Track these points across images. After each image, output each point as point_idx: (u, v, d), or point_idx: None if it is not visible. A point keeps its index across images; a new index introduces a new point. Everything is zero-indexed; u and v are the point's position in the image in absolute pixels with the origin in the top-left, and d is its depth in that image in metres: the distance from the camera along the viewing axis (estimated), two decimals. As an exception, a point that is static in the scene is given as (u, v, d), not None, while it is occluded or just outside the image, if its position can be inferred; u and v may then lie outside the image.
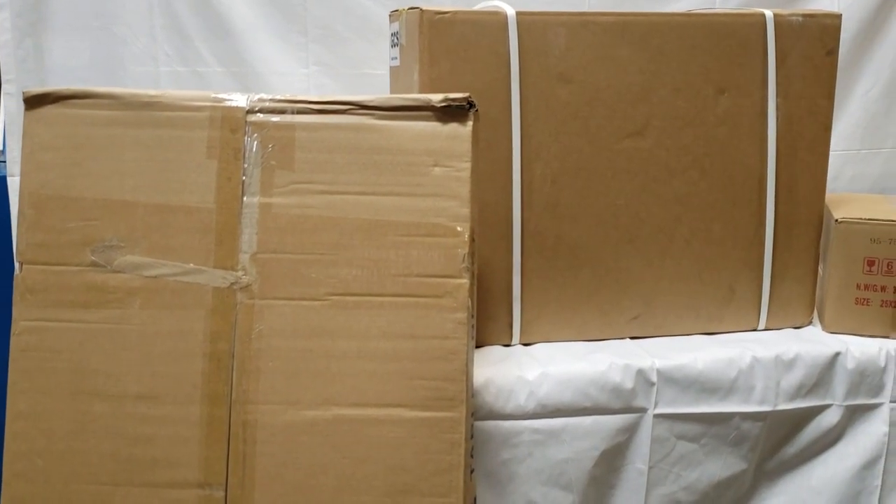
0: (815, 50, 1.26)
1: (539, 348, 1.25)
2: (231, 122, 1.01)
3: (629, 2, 1.64)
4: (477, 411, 1.13)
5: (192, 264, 1.00)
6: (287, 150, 1.01)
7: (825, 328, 1.33)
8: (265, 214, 1.01)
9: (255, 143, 1.01)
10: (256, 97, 1.02)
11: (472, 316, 1.03)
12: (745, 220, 1.29)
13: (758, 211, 1.29)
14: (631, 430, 1.20)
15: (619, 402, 1.19)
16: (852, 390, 1.25)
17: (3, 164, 1.54)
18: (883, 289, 1.28)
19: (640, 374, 1.19)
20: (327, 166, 1.01)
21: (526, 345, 1.27)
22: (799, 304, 1.34)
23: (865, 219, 1.28)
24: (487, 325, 1.24)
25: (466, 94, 1.00)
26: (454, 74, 1.16)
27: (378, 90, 1.53)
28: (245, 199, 1.01)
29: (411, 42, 1.19)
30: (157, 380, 1.00)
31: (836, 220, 1.28)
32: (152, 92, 1.02)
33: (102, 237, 1.01)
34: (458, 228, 1.00)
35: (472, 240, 1.01)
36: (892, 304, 1.28)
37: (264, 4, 1.56)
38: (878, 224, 1.27)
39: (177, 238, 1.01)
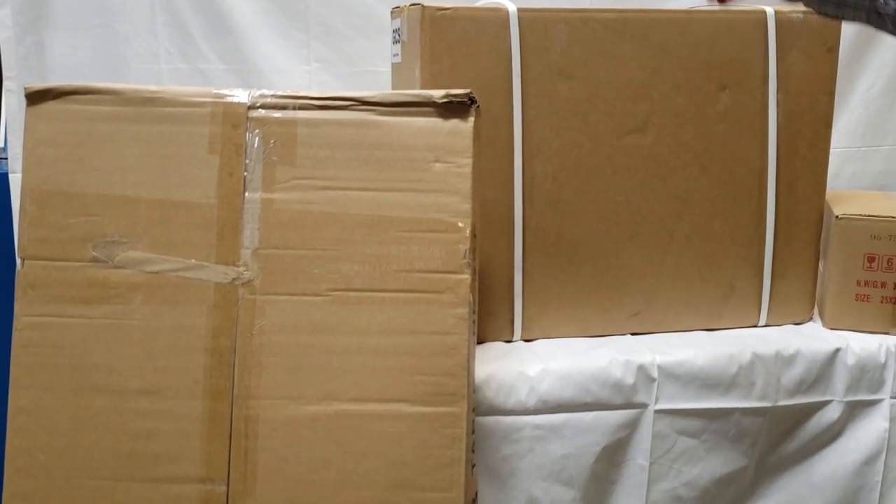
0: (815, 47, 1.27)
1: (540, 344, 1.26)
2: (233, 118, 1.01)
3: (629, -2, 1.64)
4: (478, 407, 1.13)
5: (193, 260, 1.01)
6: (289, 146, 1.01)
7: (825, 324, 1.33)
8: (267, 210, 1.01)
9: (257, 138, 1.01)
10: (258, 93, 1.02)
11: (474, 312, 1.03)
12: (745, 216, 1.29)
13: (758, 207, 1.29)
14: (632, 426, 1.20)
15: (620, 398, 1.19)
16: (853, 386, 1.25)
17: (4, 160, 1.55)
18: (883, 285, 1.28)
19: (641, 369, 1.19)
20: (329, 162, 1.01)
21: (527, 341, 1.27)
22: (799, 301, 1.34)
23: (866, 215, 1.28)
24: (489, 322, 1.24)
25: (468, 91, 1.00)
26: (455, 71, 1.16)
27: (379, 87, 1.53)
28: (247, 194, 1.01)
29: (413, 38, 1.19)
30: (158, 375, 1.00)
31: (837, 217, 1.28)
32: (154, 88, 1.03)
33: (104, 233, 1.01)
34: (460, 224, 1.00)
35: (474, 236, 1.01)
36: (893, 301, 1.28)
37: (266, 2, 1.57)
38: (879, 220, 1.27)
39: (178, 233, 1.01)
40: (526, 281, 1.24)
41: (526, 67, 1.18)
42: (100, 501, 1.00)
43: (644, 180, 1.25)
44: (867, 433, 1.26)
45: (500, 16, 1.17)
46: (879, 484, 1.26)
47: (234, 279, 1.00)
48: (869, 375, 1.25)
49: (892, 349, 1.26)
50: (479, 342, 1.23)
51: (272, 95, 1.02)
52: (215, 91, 1.02)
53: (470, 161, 1.00)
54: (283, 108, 1.01)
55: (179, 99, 1.02)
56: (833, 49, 1.27)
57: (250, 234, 1.01)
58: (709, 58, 1.24)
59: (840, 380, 1.25)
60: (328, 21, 1.59)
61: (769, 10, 1.25)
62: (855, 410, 1.26)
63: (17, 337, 1.01)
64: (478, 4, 1.22)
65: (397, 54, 1.30)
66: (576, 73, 1.20)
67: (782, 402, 1.23)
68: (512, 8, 1.17)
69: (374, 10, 1.58)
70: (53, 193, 1.01)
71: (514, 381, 1.16)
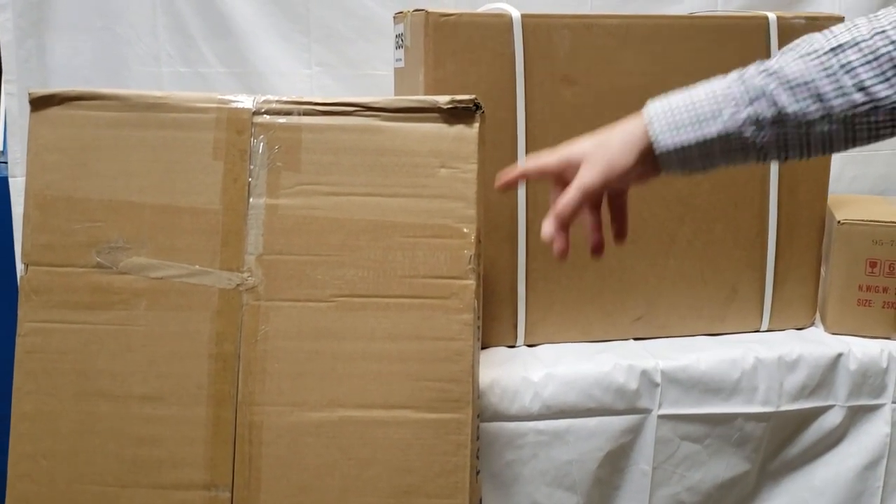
0: (817, 52, 1.27)
1: (543, 349, 1.26)
2: (237, 124, 1.01)
3: (631, 4, 1.64)
4: (482, 413, 1.13)
5: (197, 266, 1.01)
6: (293, 152, 1.01)
7: (827, 329, 1.33)
8: (271, 216, 1.01)
9: (262, 144, 1.01)
10: (262, 98, 1.02)
11: (478, 317, 1.03)
12: (747, 221, 1.29)
13: (760, 212, 1.30)
14: (635, 431, 1.20)
15: (624, 403, 1.19)
16: (854, 391, 1.25)
17: (4, 164, 1.54)
18: (885, 290, 1.29)
19: (645, 374, 1.19)
20: (333, 168, 1.01)
21: (530, 346, 1.27)
22: (801, 305, 1.34)
23: (867, 220, 1.29)
24: (492, 326, 1.24)
25: (473, 96, 1.00)
26: (459, 76, 1.16)
27: (380, 91, 1.53)
28: (251, 200, 1.01)
29: (416, 44, 1.19)
30: (162, 381, 1.00)
31: (839, 222, 1.29)
32: (158, 93, 1.03)
33: (108, 238, 1.01)
34: (465, 230, 1.00)
35: (479, 241, 1.01)
36: (894, 306, 1.29)
37: (267, 5, 1.56)
38: (880, 225, 1.28)
39: (183, 239, 1.01)
40: (529, 286, 1.24)
41: (529, 73, 1.18)
42: (103, 507, 1.00)
43: (646, 185, 1.24)
44: (869, 438, 1.26)
45: (504, 21, 1.17)
46: (881, 489, 1.27)
47: (238, 285, 1.00)
48: (871, 380, 1.25)
49: (894, 354, 1.26)
50: (483, 347, 1.23)
51: (277, 101, 1.02)
52: (220, 97, 1.02)
53: (475, 167, 1.00)
54: (288, 113, 1.01)
55: (184, 104, 1.02)
56: (835, 54, 1.27)
57: (254, 240, 1.01)
58: (711, 64, 1.23)
59: (842, 385, 1.25)
60: (329, 24, 1.59)
61: (771, 15, 1.25)
62: (857, 415, 1.26)
63: (20, 343, 1.00)
64: (481, 10, 1.22)
65: (400, 59, 1.30)
66: (579, 79, 1.20)
67: (785, 407, 1.23)
68: (515, 14, 1.17)
69: (374, 14, 1.58)
70: (57, 199, 1.01)
71: (518, 386, 1.16)
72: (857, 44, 0.69)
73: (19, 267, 1.03)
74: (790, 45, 0.73)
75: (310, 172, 1.01)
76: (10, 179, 1.48)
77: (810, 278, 1.34)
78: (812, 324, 1.36)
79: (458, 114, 1.00)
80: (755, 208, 1.29)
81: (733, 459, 1.23)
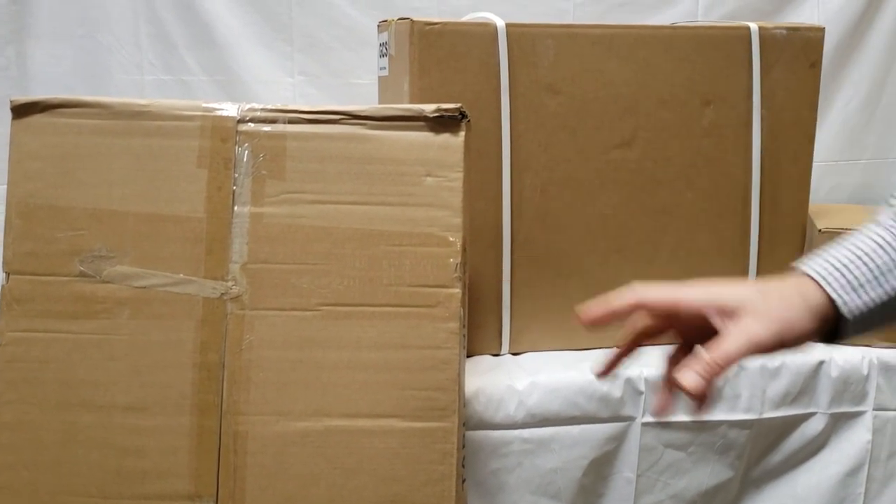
0: (798, 62, 1.28)
1: (528, 357, 1.26)
2: (221, 132, 1.01)
3: (612, 14, 1.66)
4: (467, 421, 1.13)
5: (181, 274, 1.00)
6: (278, 160, 1.01)
7: (809, 337, 1.34)
8: (256, 224, 1.00)
9: (246, 152, 1.01)
10: (247, 106, 1.01)
11: (464, 326, 1.03)
12: (730, 230, 1.30)
13: (742, 221, 1.31)
14: (619, 439, 1.21)
15: (608, 411, 1.19)
16: (836, 398, 1.26)
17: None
18: (865, 298, 1.30)
19: (629, 382, 1.20)
20: (319, 176, 1.00)
21: (515, 354, 1.27)
22: (783, 314, 1.35)
23: (848, 228, 1.29)
24: (476, 335, 1.24)
25: (459, 105, 1.00)
26: (444, 85, 1.16)
27: (364, 99, 1.54)
28: (236, 208, 1.00)
29: (401, 52, 1.19)
30: (146, 390, 0.99)
31: (819, 230, 1.30)
32: (142, 101, 1.02)
33: (91, 247, 1.00)
34: (451, 238, 1.00)
35: (465, 250, 1.01)
36: (875, 313, 1.30)
37: (250, 13, 1.56)
38: (861, 234, 1.29)
39: (166, 248, 1.00)
40: (514, 294, 1.24)
41: (514, 82, 1.19)
42: (86, 519, 0.99)
43: (631, 194, 1.26)
44: (850, 445, 1.27)
45: (489, 31, 1.17)
46: (862, 495, 1.28)
47: (222, 294, 1.00)
48: (852, 388, 1.26)
49: (875, 361, 1.27)
50: (467, 355, 1.23)
51: (262, 109, 1.01)
52: (204, 104, 1.02)
53: (461, 175, 1.00)
54: (273, 121, 1.01)
55: (168, 112, 1.01)
56: (816, 64, 1.29)
57: (239, 249, 1.00)
58: (693, 73, 1.26)
59: (824, 392, 1.26)
60: (313, 33, 1.59)
61: (753, 26, 1.26)
62: (839, 422, 1.28)
63: (1, 352, 0.99)
64: (465, 19, 1.22)
65: (384, 68, 1.30)
66: (563, 89, 1.21)
67: (767, 414, 1.24)
68: (500, 23, 1.18)
69: (357, 23, 1.59)
70: (40, 207, 1.00)
71: (503, 394, 1.16)
72: None
73: (0, 276, 1.02)
74: None
75: (295, 181, 1.00)
76: (-9, 187, 1.47)
77: (792, 286, 1.35)
78: (794, 331, 1.37)
79: (443, 122, 1.01)
80: (738, 217, 1.30)
81: (717, 467, 1.24)
